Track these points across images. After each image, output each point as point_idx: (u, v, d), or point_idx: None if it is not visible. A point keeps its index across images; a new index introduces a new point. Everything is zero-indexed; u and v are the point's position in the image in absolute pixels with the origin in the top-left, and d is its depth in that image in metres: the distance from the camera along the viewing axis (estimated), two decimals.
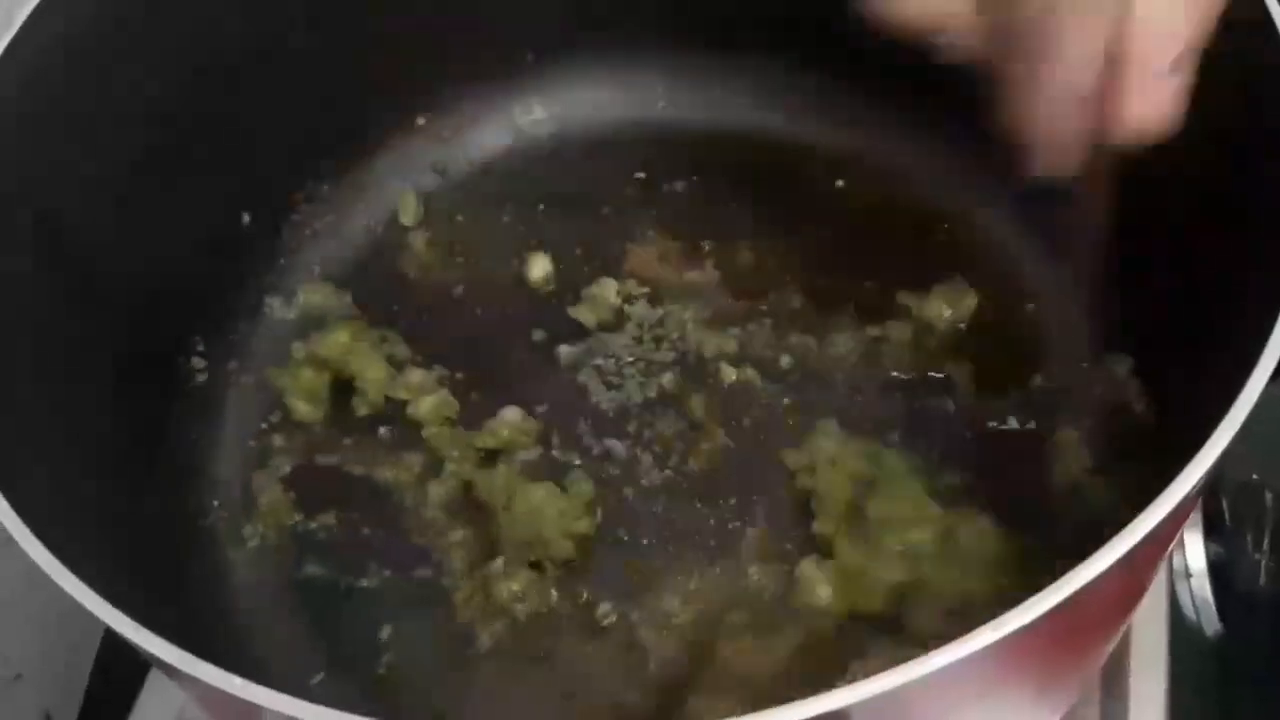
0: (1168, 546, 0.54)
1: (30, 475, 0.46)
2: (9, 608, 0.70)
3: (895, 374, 0.64)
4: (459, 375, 0.66)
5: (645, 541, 0.60)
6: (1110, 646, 0.54)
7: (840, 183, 0.70)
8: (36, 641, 0.73)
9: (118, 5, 0.59)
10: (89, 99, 0.59)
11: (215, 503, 0.63)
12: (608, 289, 0.68)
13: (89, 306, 0.58)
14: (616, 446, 0.63)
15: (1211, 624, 0.64)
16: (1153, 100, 0.44)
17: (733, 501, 0.61)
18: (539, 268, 0.70)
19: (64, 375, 0.55)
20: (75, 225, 0.58)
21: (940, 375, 0.64)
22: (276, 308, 0.69)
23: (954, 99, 0.67)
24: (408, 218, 0.72)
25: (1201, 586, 0.64)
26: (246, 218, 0.69)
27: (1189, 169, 0.56)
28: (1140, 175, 0.59)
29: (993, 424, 0.62)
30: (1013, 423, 0.62)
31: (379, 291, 0.70)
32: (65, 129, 0.58)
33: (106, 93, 0.59)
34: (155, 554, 0.56)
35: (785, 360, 0.65)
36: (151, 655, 0.39)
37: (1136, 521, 0.38)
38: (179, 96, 0.63)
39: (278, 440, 0.65)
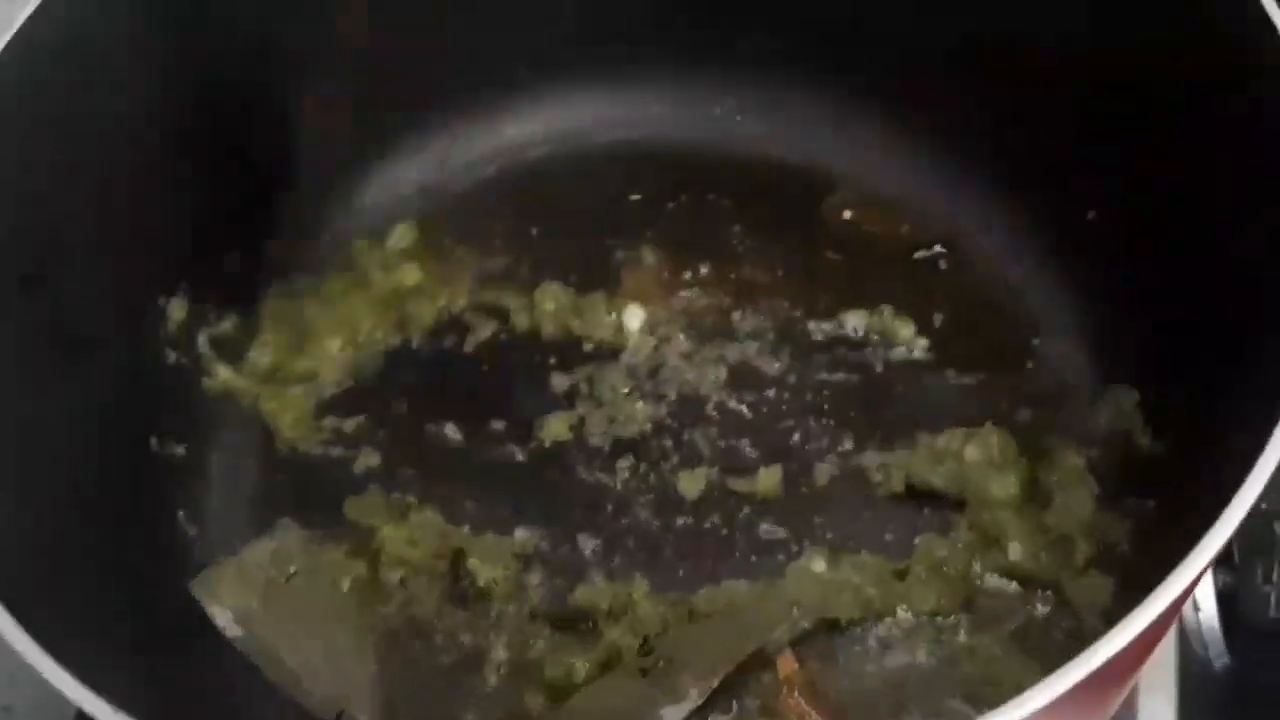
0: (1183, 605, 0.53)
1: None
2: None
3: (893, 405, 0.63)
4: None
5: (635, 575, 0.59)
6: (1122, 698, 0.53)
7: (847, 214, 0.69)
8: (26, 673, 0.71)
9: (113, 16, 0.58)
10: (73, 114, 0.57)
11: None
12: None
13: (70, 345, 0.56)
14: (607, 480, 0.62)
15: (1219, 656, 0.63)
16: None
17: (724, 532, 0.60)
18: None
19: (45, 424, 0.54)
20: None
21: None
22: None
23: (967, 129, 0.67)
24: (403, 242, 0.71)
25: (1210, 618, 0.63)
26: (233, 258, 0.67)
27: (1199, 184, 0.56)
28: (1147, 191, 0.58)
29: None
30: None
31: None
32: (50, 138, 0.56)
33: (93, 108, 0.58)
34: (143, 610, 0.54)
35: (781, 382, 0.64)
36: None
37: (1160, 589, 0.37)
38: (164, 112, 0.61)
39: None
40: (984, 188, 0.67)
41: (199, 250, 0.64)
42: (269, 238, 0.68)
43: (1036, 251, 0.65)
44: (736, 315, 0.67)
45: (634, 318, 0.67)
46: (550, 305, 0.67)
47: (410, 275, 0.69)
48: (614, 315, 0.67)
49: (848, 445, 0.62)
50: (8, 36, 0.54)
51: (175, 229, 0.63)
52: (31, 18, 0.54)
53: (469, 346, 0.67)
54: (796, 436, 0.63)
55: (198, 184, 0.63)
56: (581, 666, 0.55)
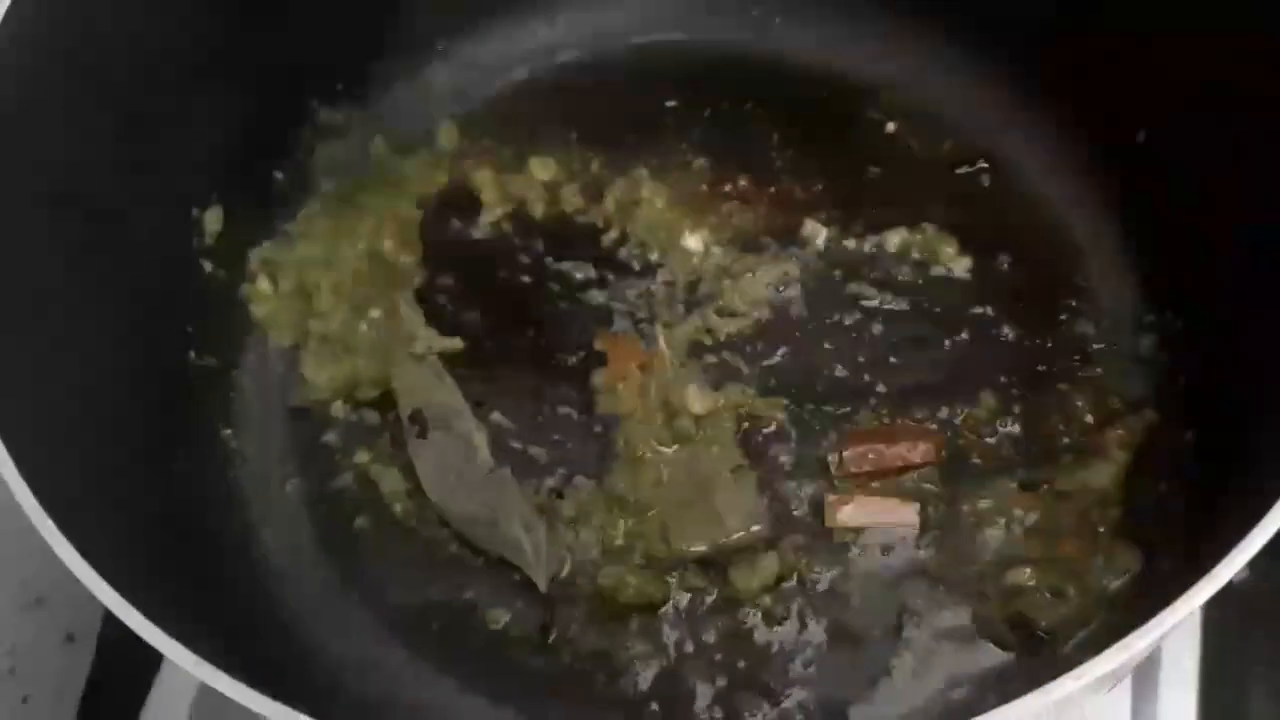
0: None
1: (55, 460, 0.46)
2: None
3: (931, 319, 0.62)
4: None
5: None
6: None
7: (890, 126, 0.68)
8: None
9: None
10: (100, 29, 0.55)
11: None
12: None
13: (108, 260, 0.56)
14: None
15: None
16: None
17: None
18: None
19: (92, 348, 0.54)
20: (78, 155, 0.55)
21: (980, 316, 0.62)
22: None
23: (1014, 40, 0.65)
24: (450, 143, 0.69)
25: None
26: (267, 172, 0.66)
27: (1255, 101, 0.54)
28: (1203, 110, 0.57)
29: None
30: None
31: None
32: (71, 56, 0.54)
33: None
34: (180, 519, 0.55)
35: (815, 299, 0.63)
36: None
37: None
38: (196, 21, 0.59)
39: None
40: (1030, 103, 0.65)
41: (232, 164, 0.63)
42: (305, 150, 0.67)
43: (1083, 172, 0.64)
44: (774, 230, 0.65)
45: (694, 238, 0.66)
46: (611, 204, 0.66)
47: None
48: (669, 231, 0.66)
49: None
50: None
51: (206, 142, 0.61)
52: None
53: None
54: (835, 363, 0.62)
55: (229, 97, 0.62)
56: None
